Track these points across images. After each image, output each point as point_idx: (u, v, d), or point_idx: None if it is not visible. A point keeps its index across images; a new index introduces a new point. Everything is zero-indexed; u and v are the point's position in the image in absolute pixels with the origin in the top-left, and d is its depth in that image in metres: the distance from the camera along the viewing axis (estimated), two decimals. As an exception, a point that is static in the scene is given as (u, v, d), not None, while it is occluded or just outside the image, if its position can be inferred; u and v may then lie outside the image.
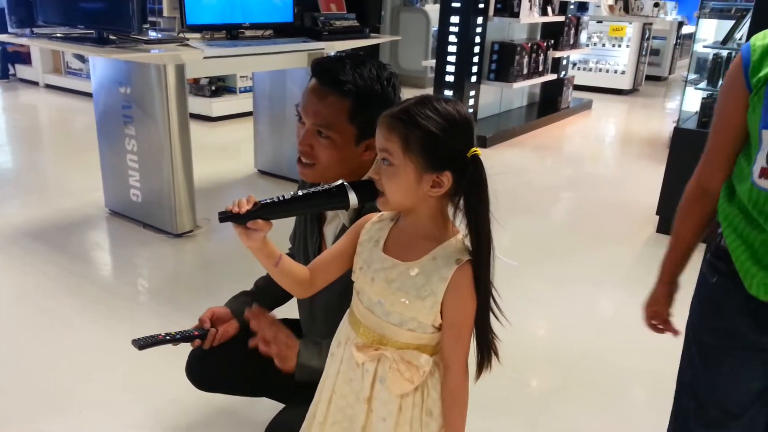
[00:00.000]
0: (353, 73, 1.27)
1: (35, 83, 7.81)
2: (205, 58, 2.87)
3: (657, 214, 3.67)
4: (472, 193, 1.00)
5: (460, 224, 1.04)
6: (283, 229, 1.39)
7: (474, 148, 1.00)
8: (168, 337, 1.46)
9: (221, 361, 1.54)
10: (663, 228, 3.63)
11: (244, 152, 4.81)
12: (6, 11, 3.00)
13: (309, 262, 1.47)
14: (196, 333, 1.50)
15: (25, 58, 7.90)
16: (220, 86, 6.26)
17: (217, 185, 4.28)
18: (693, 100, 3.90)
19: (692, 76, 3.89)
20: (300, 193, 1.05)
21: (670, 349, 2.48)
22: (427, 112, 0.98)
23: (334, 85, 1.26)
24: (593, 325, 2.69)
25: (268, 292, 1.58)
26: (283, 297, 1.59)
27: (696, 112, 3.70)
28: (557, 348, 2.50)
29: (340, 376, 1.11)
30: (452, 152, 0.99)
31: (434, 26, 7.57)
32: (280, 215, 1.04)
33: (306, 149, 1.31)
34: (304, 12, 3.47)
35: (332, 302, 1.29)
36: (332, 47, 3.58)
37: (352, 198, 1.03)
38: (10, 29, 3.07)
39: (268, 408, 1.70)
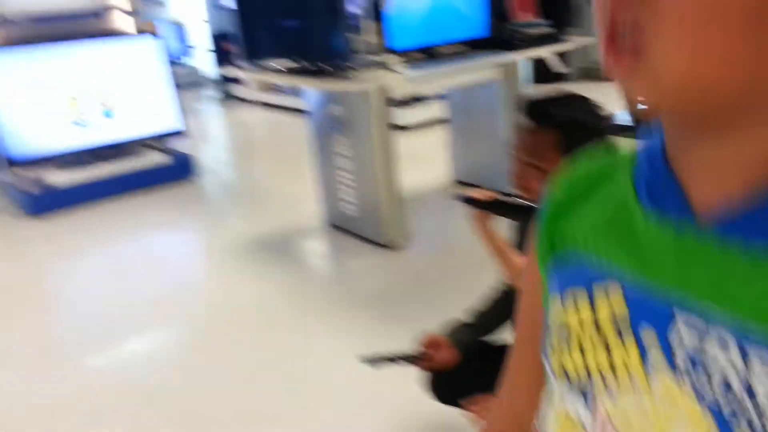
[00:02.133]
0: (560, 107, 1.37)
1: (248, 101, 8.75)
2: (408, 81, 3.06)
3: None
4: None
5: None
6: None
7: None
8: (393, 358, 1.65)
9: (462, 377, 1.68)
10: None
11: (439, 161, 4.93)
12: (231, 47, 3.45)
13: None
14: (417, 356, 1.67)
15: (240, 79, 8.89)
16: (411, 96, 6.51)
17: (420, 196, 4.44)
18: None
19: None
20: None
21: None
22: None
23: (543, 119, 1.36)
24: None
25: (485, 326, 1.69)
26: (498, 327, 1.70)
27: None
28: None
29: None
30: None
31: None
32: (510, 217, 1.21)
33: (521, 184, 1.40)
34: (499, 24, 3.50)
35: None
36: (525, 56, 3.59)
37: None
38: (234, 62, 3.52)
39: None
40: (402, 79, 3.06)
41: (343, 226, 3.83)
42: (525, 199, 1.42)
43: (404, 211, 3.57)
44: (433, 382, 1.75)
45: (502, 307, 1.65)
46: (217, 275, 3.56)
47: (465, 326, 1.73)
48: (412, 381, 1.82)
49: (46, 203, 4.50)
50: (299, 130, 5.06)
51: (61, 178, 4.60)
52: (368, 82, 3.04)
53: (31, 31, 4.52)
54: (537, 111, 1.37)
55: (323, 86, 3.06)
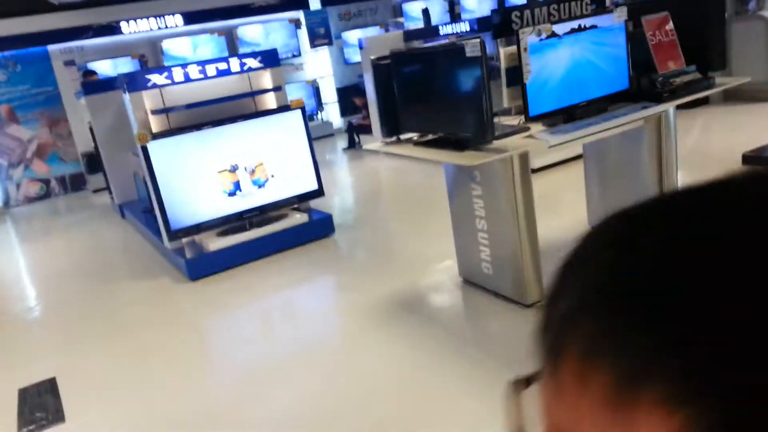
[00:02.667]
0: None
1: (376, 152, 9.02)
2: (549, 147, 3.03)
3: None
4: None
5: None
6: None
7: None
8: None
9: None
10: None
11: (571, 204, 4.79)
12: (379, 123, 3.58)
13: None
14: None
15: (366, 129, 9.22)
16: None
17: (555, 246, 4.37)
18: None
19: None
20: None
21: None
22: None
23: None
24: None
25: None
26: None
27: None
28: None
29: None
30: None
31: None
32: None
33: None
34: (640, 75, 3.39)
35: None
36: (668, 106, 3.43)
37: None
38: (381, 137, 3.64)
39: None
40: (545, 146, 3.03)
41: (481, 284, 3.83)
42: None
43: (541, 265, 3.53)
44: None
45: None
46: (355, 334, 3.68)
47: None
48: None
49: (202, 267, 4.89)
50: (430, 176, 5.11)
51: (215, 243, 4.98)
52: (508, 151, 3.04)
53: (191, 116, 4.99)
54: None
55: (470, 162, 3.09)
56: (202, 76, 4.97)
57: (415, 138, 3.57)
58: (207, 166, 4.91)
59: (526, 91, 3.06)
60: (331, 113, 11.20)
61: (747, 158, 5.34)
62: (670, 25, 3.47)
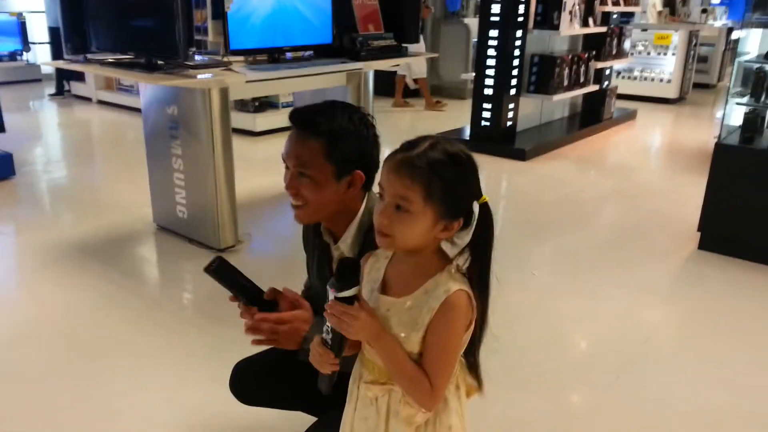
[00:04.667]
0: (325, 116, 1.37)
1: (89, 99, 8.15)
2: (247, 82, 2.98)
3: (698, 230, 3.61)
4: (481, 238, 1.05)
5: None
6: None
7: (484, 196, 1.04)
8: (237, 289, 1.40)
9: (264, 373, 1.67)
10: (705, 245, 3.56)
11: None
12: (62, 38, 3.18)
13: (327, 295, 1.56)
14: (269, 303, 1.43)
15: (79, 75, 8.26)
16: (263, 102, 6.43)
17: (260, 199, 4.41)
18: (737, 113, 3.83)
19: (736, 89, 3.81)
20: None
21: (713, 369, 2.45)
22: (444, 158, 1.02)
23: (309, 128, 1.36)
24: (632, 343, 2.67)
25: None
26: None
27: (739, 127, 3.62)
28: (595, 365, 2.50)
29: (357, 414, 1.17)
30: (468, 199, 1.04)
31: (474, 38, 7.60)
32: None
33: (293, 192, 1.40)
34: (342, 33, 3.55)
35: None
36: (370, 66, 3.66)
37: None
38: (65, 55, 3.24)
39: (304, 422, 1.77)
40: (243, 79, 2.98)
41: (176, 230, 3.66)
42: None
43: (240, 215, 3.50)
44: (235, 379, 1.70)
45: None
46: (28, 283, 3.23)
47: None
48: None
49: None
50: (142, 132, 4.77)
51: None
52: (208, 80, 2.92)
53: None
54: (303, 120, 1.38)
55: (158, 82, 2.89)
56: None
57: (110, 60, 3.25)
58: None
59: (227, 22, 2.97)
60: (41, 55, 9.81)
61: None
62: (374, -8, 3.70)
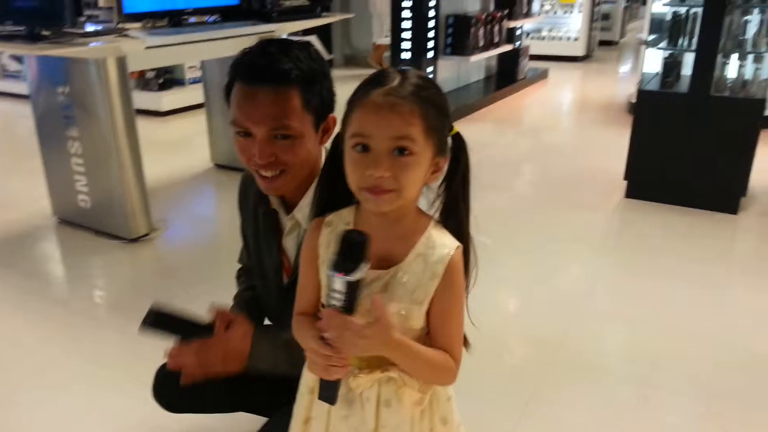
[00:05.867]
0: (288, 59, 1.13)
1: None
2: (147, 48, 2.67)
3: (625, 179, 3.63)
4: (460, 176, 0.90)
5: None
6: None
7: (453, 126, 0.90)
8: (180, 325, 1.22)
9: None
10: (632, 193, 3.59)
11: (198, 146, 4.60)
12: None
13: (267, 280, 1.33)
14: (208, 328, 1.25)
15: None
16: (167, 79, 5.99)
17: (173, 183, 4.08)
18: (652, 61, 3.87)
19: (651, 37, 3.85)
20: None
21: (650, 315, 2.44)
22: (425, 83, 0.85)
23: (277, 78, 1.11)
24: (572, 296, 2.63)
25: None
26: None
27: (657, 73, 3.65)
28: (538, 325, 2.43)
29: (333, 413, 0.98)
30: (449, 129, 0.89)
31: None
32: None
33: (269, 161, 1.16)
34: (250, -7, 3.29)
35: None
36: (283, 29, 3.41)
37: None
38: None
39: (247, 422, 1.57)
40: (141, 45, 2.66)
41: (79, 222, 3.31)
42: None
43: (151, 201, 3.20)
44: (159, 387, 1.44)
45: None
46: None
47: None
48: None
49: None
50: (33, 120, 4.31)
51: None
52: (101, 48, 2.59)
53: None
54: (266, 70, 1.12)
55: (43, 52, 2.53)
56: None
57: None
58: None
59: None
60: None
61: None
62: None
